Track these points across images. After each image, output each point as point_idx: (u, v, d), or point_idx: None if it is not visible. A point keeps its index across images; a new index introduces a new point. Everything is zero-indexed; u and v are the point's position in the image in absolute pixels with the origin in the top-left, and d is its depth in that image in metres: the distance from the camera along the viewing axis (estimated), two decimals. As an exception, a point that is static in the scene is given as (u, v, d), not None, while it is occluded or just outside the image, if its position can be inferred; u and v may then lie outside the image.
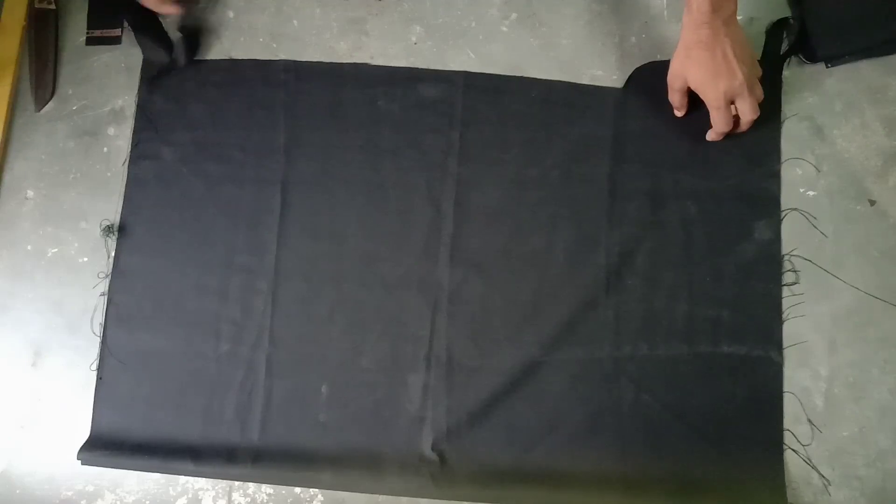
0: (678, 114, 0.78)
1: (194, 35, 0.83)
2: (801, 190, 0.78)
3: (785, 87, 0.80)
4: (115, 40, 0.84)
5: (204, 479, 0.74)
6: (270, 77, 0.82)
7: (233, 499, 0.74)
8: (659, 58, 0.81)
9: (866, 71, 0.80)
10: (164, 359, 0.76)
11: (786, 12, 0.81)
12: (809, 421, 0.73)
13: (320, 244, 0.78)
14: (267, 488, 0.74)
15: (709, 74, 0.69)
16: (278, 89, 0.81)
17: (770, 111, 0.79)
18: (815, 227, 0.77)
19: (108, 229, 0.79)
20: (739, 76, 0.69)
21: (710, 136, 0.76)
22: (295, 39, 0.83)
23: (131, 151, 0.81)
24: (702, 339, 0.74)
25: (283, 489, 0.74)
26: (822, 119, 0.79)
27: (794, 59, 0.81)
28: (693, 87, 0.72)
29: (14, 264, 0.80)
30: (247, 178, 0.79)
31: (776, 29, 0.80)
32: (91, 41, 0.84)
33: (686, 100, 0.76)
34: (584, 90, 0.80)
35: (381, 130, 0.80)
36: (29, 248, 0.80)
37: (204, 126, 0.80)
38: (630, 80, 0.80)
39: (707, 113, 0.74)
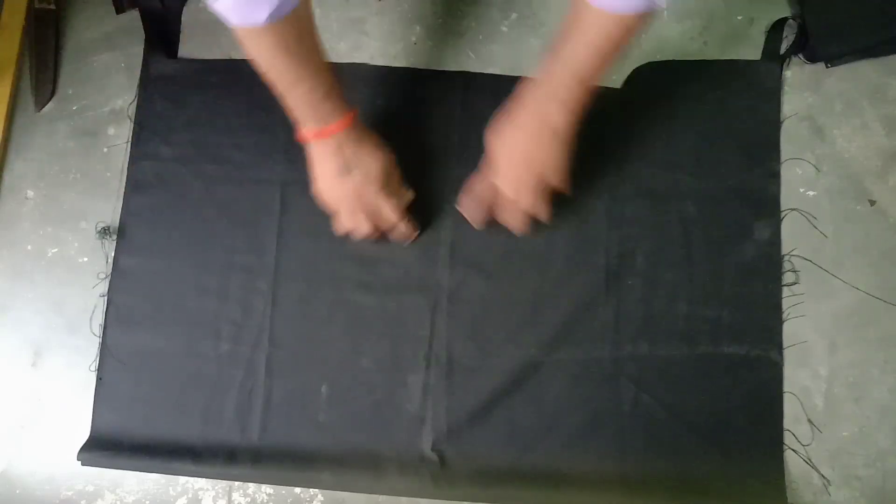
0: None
1: None
2: (801, 190, 0.78)
3: (785, 87, 0.80)
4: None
5: (204, 479, 0.74)
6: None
7: (233, 499, 0.74)
8: (658, 58, 0.81)
9: (866, 71, 0.80)
10: (164, 359, 0.76)
11: (786, 12, 0.81)
12: (809, 421, 0.73)
13: (320, 244, 0.78)
14: (267, 488, 0.74)
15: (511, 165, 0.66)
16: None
17: (770, 111, 0.79)
18: (815, 227, 0.77)
19: (104, 231, 0.79)
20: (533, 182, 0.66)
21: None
22: (295, 39, 0.83)
23: (131, 151, 0.81)
24: (702, 339, 0.74)
25: (283, 489, 0.74)
26: (822, 119, 0.79)
27: (794, 59, 0.81)
28: (493, 161, 0.68)
29: (14, 264, 0.80)
30: (246, 179, 0.79)
31: (776, 29, 0.80)
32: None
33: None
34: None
35: (380, 131, 0.80)
36: (29, 248, 0.80)
37: (203, 126, 0.80)
38: (629, 80, 0.80)
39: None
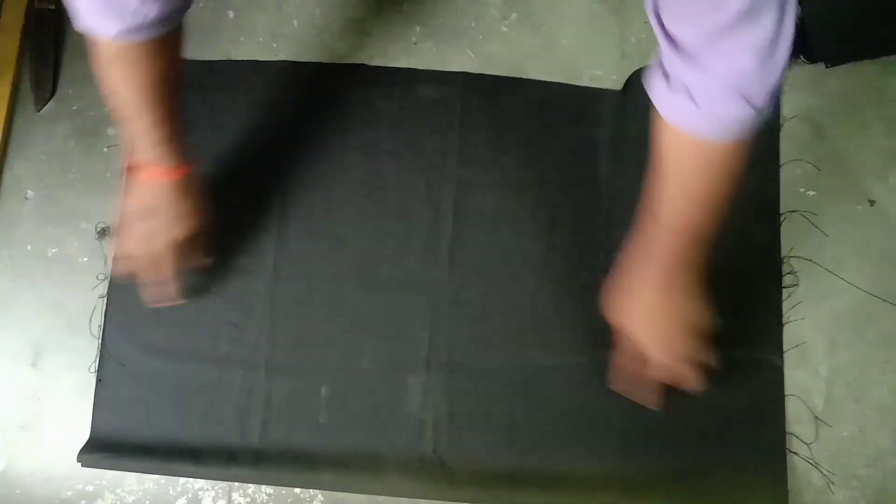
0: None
1: None
2: (801, 190, 0.78)
3: (785, 87, 0.80)
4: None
5: (204, 479, 0.74)
6: (270, 77, 0.82)
7: (233, 499, 0.74)
8: (659, 58, 0.81)
9: (866, 71, 0.80)
10: (164, 360, 0.76)
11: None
12: (816, 419, 0.73)
13: (319, 245, 0.78)
14: (267, 489, 0.74)
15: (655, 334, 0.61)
16: (278, 90, 0.81)
17: (770, 114, 0.79)
18: (815, 227, 0.77)
19: (103, 231, 0.78)
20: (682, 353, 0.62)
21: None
22: (295, 39, 0.83)
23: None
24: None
25: (283, 489, 0.74)
26: (822, 119, 0.79)
27: (794, 59, 0.80)
28: (630, 335, 0.64)
29: (14, 264, 0.79)
30: (246, 179, 0.79)
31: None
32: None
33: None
34: (582, 92, 0.80)
35: (380, 131, 0.80)
36: (29, 248, 0.80)
37: (203, 127, 0.80)
38: (629, 83, 0.80)
39: None
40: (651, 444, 0.72)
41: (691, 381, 0.64)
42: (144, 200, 0.65)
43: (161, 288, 0.70)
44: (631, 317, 0.63)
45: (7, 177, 0.82)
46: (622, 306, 0.64)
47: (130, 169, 0.65)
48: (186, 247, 0.68)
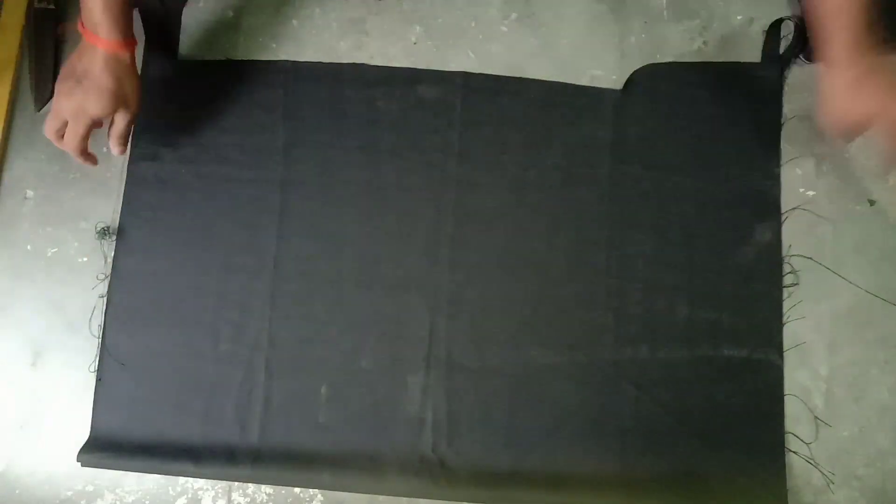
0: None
1: None
2: (801, 190, 0.78)
3: (785, 87, 0.80)
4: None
5: (203, 479, 0.74)
6: (270, 77, 0.82)
7: (232, 499, 0.74)
8: (658, 58, 0.81)
9: (866, 71, 0.80)
10: (164, 360, 0.76)
11: (786, 12, 0.81)
12: (816, 419, 0.73)
13: (319, 245, 0.78)
14: (267, 488, 0.74)
15: (883, 100, 0.65)
16: (278, 90, 0.81)
17: (770, 111, 0.79)
18: (816, 227, 0.77)
19: (103, 231, 0.78)
20: None
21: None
22: (295, 39, 0.83)
23: (131, 152, 0.81)
24: (702, 342, 0.74)
25: (283, 489, 0.74)
26: (822, 119, 0.79)
27: (794, 59, 0.80)
28: (868, 119, 0.66)
29: (14, 264, 0.79)
30: (246, 179, 0.79)
31: (775, 29, 0.80)
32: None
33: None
34: (583, 92, 0.80)
35: (380, 131, 0.80)
36: (29, 248, 0.80)
37: (203, 127, 0.80)
38: (629, 82, 0.80)
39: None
40: (651, 444, 0.72)
41: None
42: (82, 63, 0.69)
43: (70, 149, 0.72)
44: (863, 106, 0.66)
45: (7, 177, 0.82)
46: (853, 106, 0.67)
47: (81, 29, 0.69)
48: (112, 125, 0.72)
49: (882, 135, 0.67)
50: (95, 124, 0.71)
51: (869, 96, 0.66)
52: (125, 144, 0.74)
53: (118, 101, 0.70)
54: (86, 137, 0.71)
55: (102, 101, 0.69)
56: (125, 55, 0.69)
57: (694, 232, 0.76)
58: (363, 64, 0.82)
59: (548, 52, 0.82)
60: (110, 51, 0.68)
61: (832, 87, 0.68)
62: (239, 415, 0.74)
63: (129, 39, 0.70)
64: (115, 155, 0.75)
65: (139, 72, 0.83)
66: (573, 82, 0.81)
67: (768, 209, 0.77)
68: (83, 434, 0.75)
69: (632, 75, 0.80)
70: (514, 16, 0.83)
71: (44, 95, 0.82)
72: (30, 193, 0.81)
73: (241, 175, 0.79)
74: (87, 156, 0.73)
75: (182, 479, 0.75)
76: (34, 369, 0.77)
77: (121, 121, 0.72)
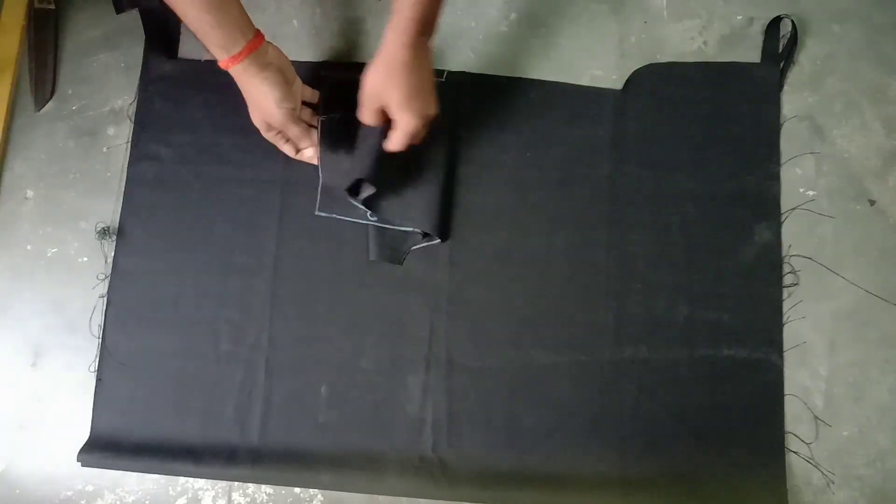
0: (366, 122, 0.69)
1: None
2: (801, 190, 0.78)
3: (785, 87, 0.80)
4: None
5: (204, 479, 0.74)
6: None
7: (232, 499, 0.74)
8: (658, 58, 0.81)
9: (866, 71, 0.80)
10: (164, 359, 0.76)
11: (785, 12, 0.81)
12: (812, 420, 0.73)
13: (319, 245, 0.78)
14: (267, 488, 0.74)
15: (409, 97, 0.65)
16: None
17: (770, 111, 0.79)
18: (816, 226, 0.77)
19: (103, 231, 0.79)
20: (434, 104, 0.67)
21: (387, 148, 0.69)
22: (295, 39, 0.83)
23: (131, 152, 0.81)
24: (702, 342, 0.74)
25: (283, 489, 0.74)
26: (822, 119, 0.79)
27: (793, 58, 0.80)
28: (390, 108, 0.66)
29: (14, 264, 0.79)
30: (246, 179, 0.79)
31: (773, 28, 0.80)
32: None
33: (382, 118, 0.68)
34: (583, 92, 0.80)
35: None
36: (29, 248, 0.80)
37: (203, 127, 0.80)
38: (629, 82, 0.80)
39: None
40: (651, 443, 0.72)
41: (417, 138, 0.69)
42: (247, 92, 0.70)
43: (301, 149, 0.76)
44: (391, 95, 0.65)
45: (7, 177, 0.82)
46: (382, 88, 0.65)
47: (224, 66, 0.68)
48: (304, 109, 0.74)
49: (398, 132, 0.66)
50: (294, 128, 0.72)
51: (401, 85, 0.64)
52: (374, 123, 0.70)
53: (285, 100, 0.69)
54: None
55: (287, 89, 0.70)
56: (233, 70, 0.68)
57: (694, 232, 0.76)
58: (363, 63, 0.82)
59: (548, 52, 0.82)
60: (257, 47, 0.67)
61: (379, 62, 0.65)
62: (239, 415, 0.74)
63: (234, 54, 0.66)
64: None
65: (140, 72, 0.83)
66: (573, 82, 0.81)
67: (768, 209, 0.77)
68: (83, 434, 0.75)
69: (632, 75, 0.80)
70: (513, 16, 0.83)
71: (44, 95, 0.83)
72: (30, 193, 0.81)
73: (241, 175, 0.79)
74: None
75: (182, 479, 0.75)
76: (34, 369, 0.77)
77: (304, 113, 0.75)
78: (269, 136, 0.74)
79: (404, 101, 0.65)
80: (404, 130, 0.66)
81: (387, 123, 0.68)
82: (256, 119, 0.72)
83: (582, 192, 0.78)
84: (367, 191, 0.72)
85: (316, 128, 0.75)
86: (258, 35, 0.67)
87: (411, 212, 0.75)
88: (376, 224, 0.76)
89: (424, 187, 0.76)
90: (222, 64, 0.67)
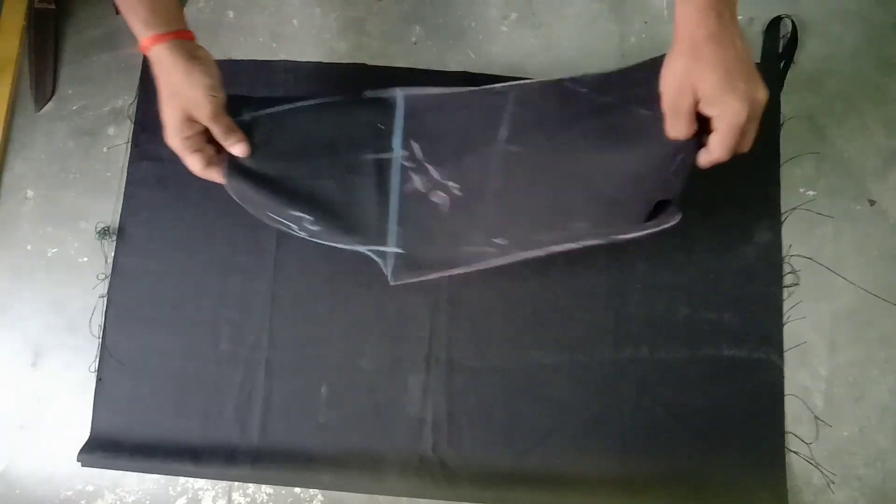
0: (682, 136, 0.55)
1: None
2: (801, 190, 0.78)
3: (785, 87, 0.80)
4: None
5: (204, 479, 0.74)
6: (270, 77, 0.81)
7: (233, 499, 0.74)
8: (659, 58, 0.81)
9: (866, 71, 0.80)
10: (164, 360, 0.76)
11: (785, 12, 0.81)
12: (812, 420, 0.73)
13: (319, 245, 0.77)
14: (267, 488, 0.74)
15: (726, 78, 0.50)
16: (277, 89, 0.81)
17: (770, 111, 0.79)
18: (816, 227, 0.77)
19: (103, 231, 0.78)
20: (763, 86, 0.51)
21: (706, 160, 0.56)
22: (295, 39, 0.83)
23: (131, 152, 0.81)
24: (703, 342, 0.74)
25: (283, 489, 0.74)
26: (822, 119, 0.79)
27: (793, 58, 0.80)
28: (705, 99, 0.52)
29: (14, 264, 0.79)
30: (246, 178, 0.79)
31: (772, 28, 0.80)
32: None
33: (696, 124, 0.54)
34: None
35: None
36: (29, 248, 0.80)
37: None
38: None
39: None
40: (651, 444, 0.72)
41: (754, 131, 0.54)
42: (163, 74, 0.60)
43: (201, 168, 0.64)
44: (705, 80, 0.51)
45: (7, 177, 0.82)
46: (691, 76, 0.52)
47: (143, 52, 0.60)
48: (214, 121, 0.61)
49: (722, 130, 0.52)
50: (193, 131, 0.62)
51: (714, 65, 0.50)
52: (233, 138, 0.64)
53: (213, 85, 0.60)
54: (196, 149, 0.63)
55: (200, 92, 0.60)
56: (154, 52, 0.59)
57: (694, 232, 0.76)
58: (363, 64, 0.82)
59: (548, 53, 0.82)
60: (146, 52, 0.59)
61: (680, 44, 0.52)
62: (239, 415, 0.74)
63: (160, 33, 0.59)
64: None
65: (140, 72, 0.83)
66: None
67: (768, 208, 0.77)
68: (83, 434, 0.75)
69: (632, 75, 0.80)
70: (514, 16, 0.83)
71: (44, 95, 0.83)
72: (30, 193, 0.81)
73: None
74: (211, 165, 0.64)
75: (182, 479, 0.75)
76: (34, 369, 0.77)
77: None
78: (180, 138, 0.62)
79: (722, 85, 0.49)
80: (729, 124, 0.51)
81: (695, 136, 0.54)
82: (173, 114, 0.61)
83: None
84: (672, 219, 0.61)
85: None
86: (191, 33, 0.61)
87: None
88: (308, 238, 0.70)
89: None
90: (145, 43, 0.58)
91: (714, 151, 0.53)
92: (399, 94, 0.71)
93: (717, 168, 0.78)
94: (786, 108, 0.79)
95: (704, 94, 0.51)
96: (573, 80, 0.67)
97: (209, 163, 0.64)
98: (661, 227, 0.62)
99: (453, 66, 0.82)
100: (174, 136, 0.62)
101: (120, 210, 0.79)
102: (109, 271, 0.78)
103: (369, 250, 0.70)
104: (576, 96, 0.67)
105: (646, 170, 0.60)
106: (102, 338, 0.77)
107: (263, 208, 0.68)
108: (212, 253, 0.78)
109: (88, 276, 0.78)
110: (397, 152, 0.70)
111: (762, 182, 0.77)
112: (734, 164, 0.77)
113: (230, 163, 0.66)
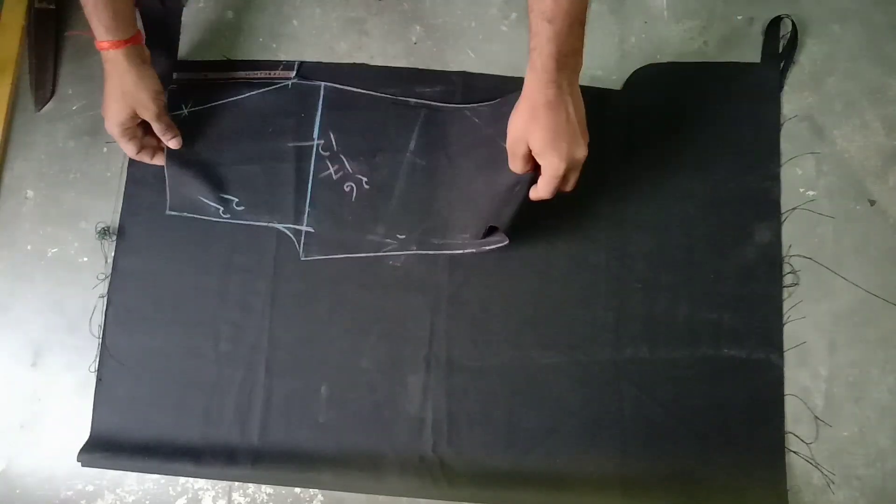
0: (518, 172, 0.67)
1: None
2: (801, 190, 0.78)
3: (785, 87, 0.80)
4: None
5: (204, 479, 0.74)
6: (270, 77, 0.81)
7: (233, 499, 0.74)
8: (659, 58, 0.81)
9: (866, 71, 0.80)
10: (164, 359, 0.76)
11: (785, 12, 0.81)
12: (812, 420, 0.73)
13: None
14: (267, 488, 0.74)
15: (553, 138, 0.61)
16: (277, 89, 0.81)
17: (770, 111, 0.79)
18: (816, 227, 0.77)
19: (103, 231, 0.79)
20: (583, 146, 0.62)
21: (534, 196, 0.67)
22: (295, 39, 0.83)
23: (131, 152, 0.81)
24: (703, 342, 0.74)
25: (283, 489, 0.74)
26: (822, 119, 0.79)
27: (793, 58, 0.80)
28: (534, 151, 0.63)
29: (14, 264, 0.80)
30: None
31: (773, 28, 0.80)
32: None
33: (531, 164, 0.66)
34: (583, 92, 0.80)
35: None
36: (29, 248, 0.80)
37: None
38: (629, 82, 0.80)
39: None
40: (651, 444, 0.72)
41: (573, 181, 0.66)
42: (113, 72, 0.70)
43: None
44: (535, 137, 0.62)
45: (7, 177, 0.82)
46: (526, 132, 0.63)
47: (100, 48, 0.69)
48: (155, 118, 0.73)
49: (545, 177, 0.63)
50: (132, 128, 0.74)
51: (545, 126, 0.61)
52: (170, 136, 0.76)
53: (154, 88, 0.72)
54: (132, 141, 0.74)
55: (143, 94, 0.71)
56: (112, 54, 0.69)
57: (694, 232, 0.76)
58: (363, 64, 0.82)
59: (548, 52, 0.82)
60: (103, 51, 0.69)
61: (522, 105, 0.62)
62: (239, 415, 0.74)
63: (119, 39, 0.69)
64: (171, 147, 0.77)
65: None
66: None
67: (768, 209, 0.77)
68: (83, 434, 0.75)
69: (632, 75, 0.80)
70: (514, 16, 0.83)
71: (44, 95, 0.83)
72: (30, 193, 0.81)
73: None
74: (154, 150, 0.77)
75: (182, 479, 0.75)
76: (34, 369, 0.77)
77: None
78: (122, 128, 0.72)
79: (548, 143, 0.61)
80: (549, 175, 0.63)
81: (534, 170, 0.65)
82: (121, 110, 0.71)
83: (582, 192, 0.77)
84: (498, 242, 0.71)
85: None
86: (142, 36, 0.72)
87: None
88: (230, 221, 0.78)
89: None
90: (104, 45, 0.68)
91: (540, 191, 0.66)
92: (321, 85, 0.80)
93: (718, 168, 0.79)
94: (786, 108, 0.79)
95: (534, 148, 0.63)
96: (471, 109, 0.78)
97: (141, 147, 0.75)
98: (497, 245, 0.72)
99: (453, 66, 0.82)
100: (116, 126, 0.72)
101: (120, 210, 0.79)
102: (109, 271, 0.78)
103: (286, 228, 0.77)
104: (472, 126, 0.78)
105: (500, 193, 0.71)
106: (102, 338, 0.77)
107: (196, 192, 0.77)
108: (212, 252, 0.78)
109: (88, 276, 0.79)
110: (316, 140, 0.79)
111: (762, 182, 0.77)
112: (734, 164, 0.78)
113: (169, 152, 0.77)
